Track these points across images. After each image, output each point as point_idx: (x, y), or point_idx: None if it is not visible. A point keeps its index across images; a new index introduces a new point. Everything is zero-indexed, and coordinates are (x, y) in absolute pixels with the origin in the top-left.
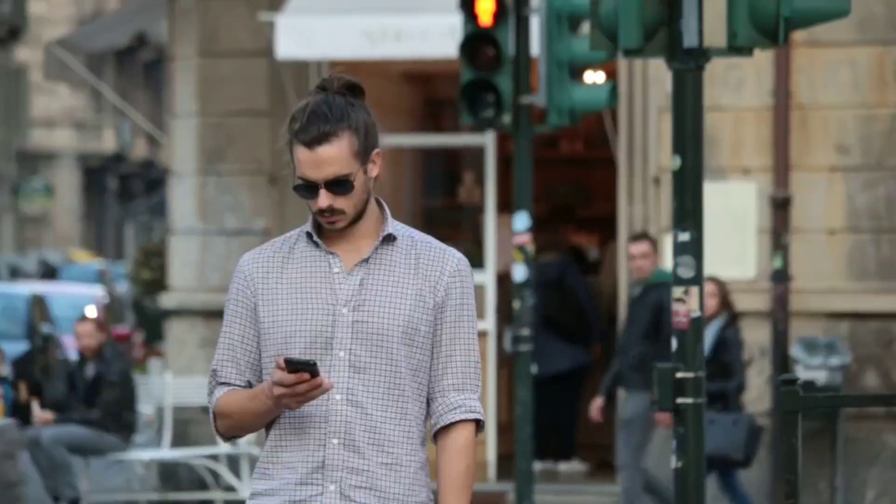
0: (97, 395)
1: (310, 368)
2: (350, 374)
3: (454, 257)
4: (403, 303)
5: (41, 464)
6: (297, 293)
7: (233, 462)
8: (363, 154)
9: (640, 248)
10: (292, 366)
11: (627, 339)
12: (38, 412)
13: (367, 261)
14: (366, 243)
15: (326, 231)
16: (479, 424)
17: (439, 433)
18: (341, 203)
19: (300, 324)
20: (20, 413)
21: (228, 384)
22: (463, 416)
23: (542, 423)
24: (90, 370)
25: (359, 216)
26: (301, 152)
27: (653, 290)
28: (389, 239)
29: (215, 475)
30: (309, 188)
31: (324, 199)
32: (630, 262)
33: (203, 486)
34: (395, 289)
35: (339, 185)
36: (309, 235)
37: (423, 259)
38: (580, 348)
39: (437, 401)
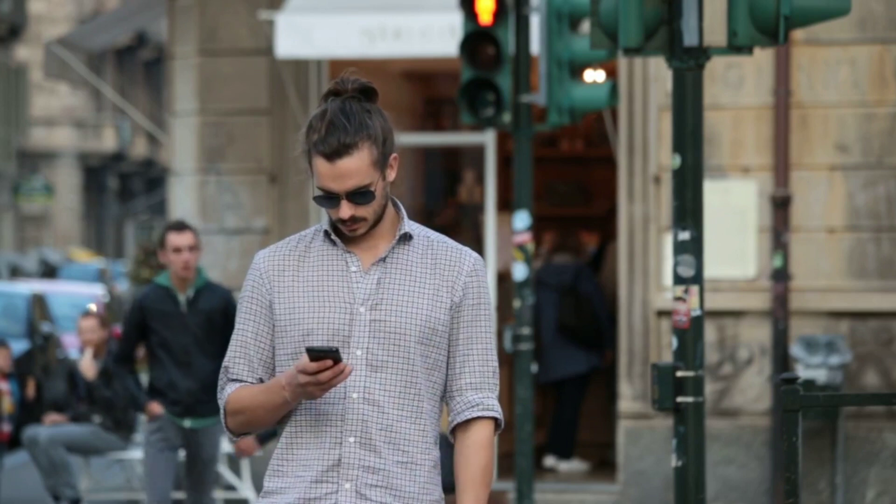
0: (99, 390)
1: (332, 355)
2: (367, 372)
3: (471, 257)
4: (421, 302)
5: (41, 463)
6: (314, 291)
7: (233, 461)
8: (382, 162)
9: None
10: (314, 354)
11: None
12: (53, 415)
13: (384, 260)
14: (383, 243)
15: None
16: (497, 423)
17: (457, 429)
18: (362, 212)
19: (317, 322)
20: (27, 410)
21: (240, 381)
22: (482, 414)
23: (559, 423)
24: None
25: (378, 220)
26: (321, 165)
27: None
28: (406, 238)
29: (216, 474)
30: (330, 198)
31: (345, 209)
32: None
33: None
34: (413, 288)
35: (361, 195)
36: (326, 234)
37: (440, 258)
38: (594, 352)
39: (455, 399)
